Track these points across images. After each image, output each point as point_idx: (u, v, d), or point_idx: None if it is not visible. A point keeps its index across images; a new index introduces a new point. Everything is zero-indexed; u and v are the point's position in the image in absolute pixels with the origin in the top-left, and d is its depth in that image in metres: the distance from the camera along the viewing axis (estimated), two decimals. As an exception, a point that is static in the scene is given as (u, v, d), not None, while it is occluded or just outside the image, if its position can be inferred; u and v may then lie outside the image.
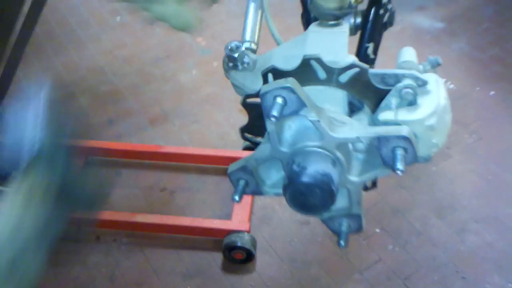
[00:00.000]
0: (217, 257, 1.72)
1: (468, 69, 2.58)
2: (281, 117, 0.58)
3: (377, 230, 1.81)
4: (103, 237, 1.79)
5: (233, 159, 1.91)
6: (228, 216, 1.77)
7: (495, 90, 2.43)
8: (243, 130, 0.75)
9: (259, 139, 0.77)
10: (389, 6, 0.94)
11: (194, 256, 1.73)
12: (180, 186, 1.97)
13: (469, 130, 2.19)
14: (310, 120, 0.60)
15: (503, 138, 2.16)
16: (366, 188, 0.67)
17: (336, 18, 0.69)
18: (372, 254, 1.74)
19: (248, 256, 1.67)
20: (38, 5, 1.54)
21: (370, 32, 0.91)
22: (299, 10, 1.08)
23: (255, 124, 0.73)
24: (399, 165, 0.57)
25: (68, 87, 2.49)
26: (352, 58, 0.63)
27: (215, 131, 2.22)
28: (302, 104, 0.59)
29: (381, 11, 0.92)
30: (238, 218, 1.71)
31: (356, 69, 0.63)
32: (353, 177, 0.65)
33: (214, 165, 2.01)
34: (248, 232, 1.68)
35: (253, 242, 1.68)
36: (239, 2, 3.10)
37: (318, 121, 0.60)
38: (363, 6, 0.94)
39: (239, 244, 1.63)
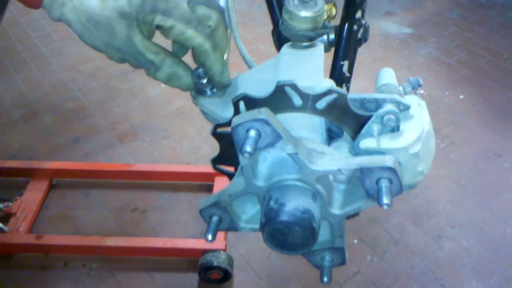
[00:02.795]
0: (193, 278, 1.66)
1: (437, 73, 2.61)
2: (255, 151, 0.54)
3: (355, 241, 1.80)
4: (71, 263, 1.70)
5: (206, 175, 1.91)
6: (203, 234, 1.71)
7: (464, 94, 2.46)
8: (215, 161, 0.71)
9: (232, 170, 0.72)
10: (363, 22, 0.91)
11: (168, 278, 1.67)
12: (152, 205, 1.90)
13: (441, 135, 2.20)
14: (287, 153, 0.56)
15: (474, 142, 2.19)
16: (347, 217, 0.64)
17: (310, 39, 0.66)
18: (350, 265, 1.73)
19: (225, 276, 1.62)
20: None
21: (344, 49, 0.88)
22: (267, 18, 1.05)
23: (227, 154, 0.68)
24: (385, 199, 0.53)
25: (31, 105, 2.40)
26: (329, 83, 0.59)
27: (186, 146, 2.16)
28: (277, 137, 0.55)
29: (355, 27, 0.89)
30: (213, 237, 1.66)
31: (334, 95, 0.59)
32: (335, 210, 0.61)
33: (187, 182, 1.96)
34: (224, 250, 1.63)
35: (230, 260, 1.63)
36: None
37: (296, 154, 0.56)
38: (336, 21, 0.92)
39: (215, 263, 1.58)
